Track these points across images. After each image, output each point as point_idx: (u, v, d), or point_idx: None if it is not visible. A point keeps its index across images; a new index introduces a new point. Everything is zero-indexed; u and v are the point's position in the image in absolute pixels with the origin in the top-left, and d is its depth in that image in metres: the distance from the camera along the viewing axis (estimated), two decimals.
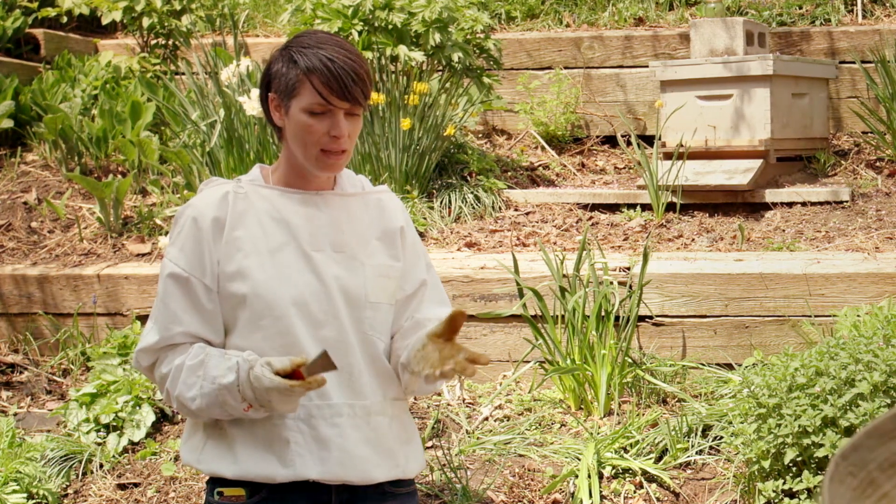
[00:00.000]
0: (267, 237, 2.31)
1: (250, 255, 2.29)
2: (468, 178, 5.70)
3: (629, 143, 6.24)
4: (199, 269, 2.29)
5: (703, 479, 3.80)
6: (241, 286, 2.28)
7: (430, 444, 4.06)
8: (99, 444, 4.21)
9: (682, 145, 5.64)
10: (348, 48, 2.30)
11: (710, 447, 3.88)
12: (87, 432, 4.24)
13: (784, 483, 3.48)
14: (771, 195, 5.44)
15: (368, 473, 2.33)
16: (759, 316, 4.30)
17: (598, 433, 4.00)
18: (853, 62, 6.20)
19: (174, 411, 4.36)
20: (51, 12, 6.66)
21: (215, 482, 2.35)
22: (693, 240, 5.11)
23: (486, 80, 5.71)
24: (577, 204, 5.62)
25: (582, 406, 4.21)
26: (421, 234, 5.13)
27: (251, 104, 4.83)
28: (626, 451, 3.88)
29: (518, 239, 5.16)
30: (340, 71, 2.25)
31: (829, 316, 4.17)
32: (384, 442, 2.36)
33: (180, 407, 2.30)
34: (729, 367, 4.25)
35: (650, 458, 3.84)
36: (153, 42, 6.58)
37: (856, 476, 0.96)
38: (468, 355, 2.19)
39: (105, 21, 6.56)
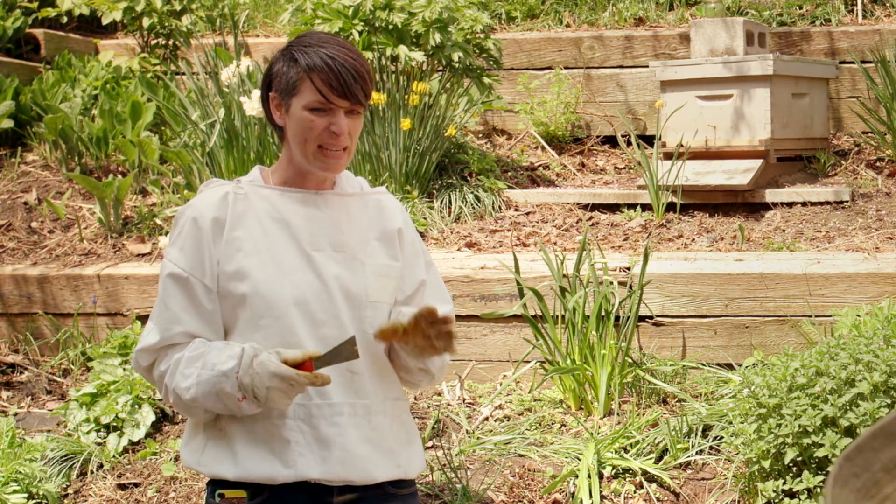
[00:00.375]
0: (267, 237, 2.31)
1: (250, 254, 2.30)
2: (468, 178, 5.70)
3: (629, 143, 6.24)
4: (198, 269, 2.29)
5: (703, 479, 3.80)
6: (241, 286, 2.28)
7: (430, 444, 4.06)
8: (99, 444, 4.21)
9: (682, 145, 5.64)
10: (349, 47, 2.31)
11: (711, 447, 3.88)
12: (88, 432, 4.24)
13: (784, 483, 3.48)
14: (771, 195, 5.44)
15: (370, 473, 2.33)
16: (760, 316, 4.30)
17: (598, 433, 4.00)
18: (853, 62, 6.20)
19: (174, 411, 4.36)
20: (51, 12, 6.66)
21: (216, 484, 2.34)
22: (693, 240, 5.11)
23: (486, 80, 5.71)
24: (577, 204, 5.62)
25: (582, 406, 4.21)
26: (421, 234, 5.13)
27: (251, 104, 4.83)
28: (626, 451, 3.88)
29: (518, 239, 5.16)
30: (341, 69, 2.26)
31: (830, 316, 4.17)
32: (385, 442, 2.35)
33: (175, 400, 2.29)
34: (729, 367, 4.25)
35: (650, 458, 3.84)
36: (153, 42, 6.59)
37: (860, 477, 0.95)
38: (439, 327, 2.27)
39: (105, 21, 6.56)
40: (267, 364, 2.20)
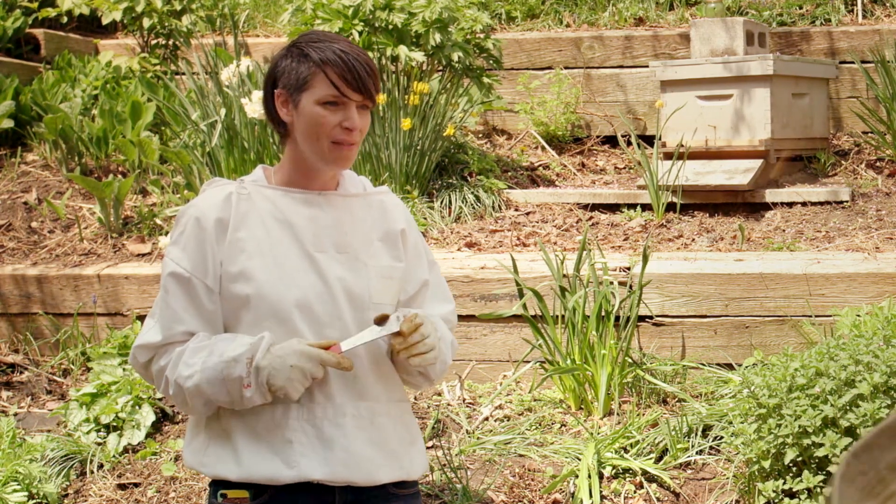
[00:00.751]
0: (270, 238, 2.31)
1: (254, 256, 2.29)
2: (468, 178, 5.71)
3: (629, 143, 6.25)
4: (200, 269, 2.29)
5: (703, 479, 3.80)
6: (244, 287, 2.28)
7: (430, 444, 4.06)
8: (99, 445, 4.21)
9: (682, 145, 5.64)
10: (356, 46, 2.33)
11: (710, 447, 3.88)
12: (88, 432, 4.24)
13: (784, 483, 3.48)
14: (771, 195, 5.44)
15: (373, 474, 2.33)
16: (760, 316, 4.30)
17: (598, 433, 4.00)
18: (853, 62, 6.20)
19: (175, 411, 4.36)
20: (51, 12, 6.66)
21: (218, 484, 2.34)
22: (693, 240, 5.11)
23: (486, 80, 5.72)
24: (577, 204, 5.63)
25: (582, 406, 4.21)
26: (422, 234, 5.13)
27: (252, 106, 4.82)
28: (626, 451, 3.88)
29: (518, 239, 5.16)
30: (355, 63, 2.27)
31: (830, 316, 4.17)
32: (388, 443, 2.35)
33: (175, 391, 2.27)
34: (729, 367, 4.25)
35: (650, 458, 3.84)
36: (153, 42, 6.59)
37: (866, 475, 0.95)
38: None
39: (105, 21, 6.56)
40: (292, 344, 2.22)
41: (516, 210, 5.59)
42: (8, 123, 5.99)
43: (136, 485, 4.04)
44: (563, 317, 4.27)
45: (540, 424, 4.15)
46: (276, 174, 2.39)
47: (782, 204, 5.42)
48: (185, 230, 2.31)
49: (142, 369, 2.36)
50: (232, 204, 2.32)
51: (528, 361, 4.34)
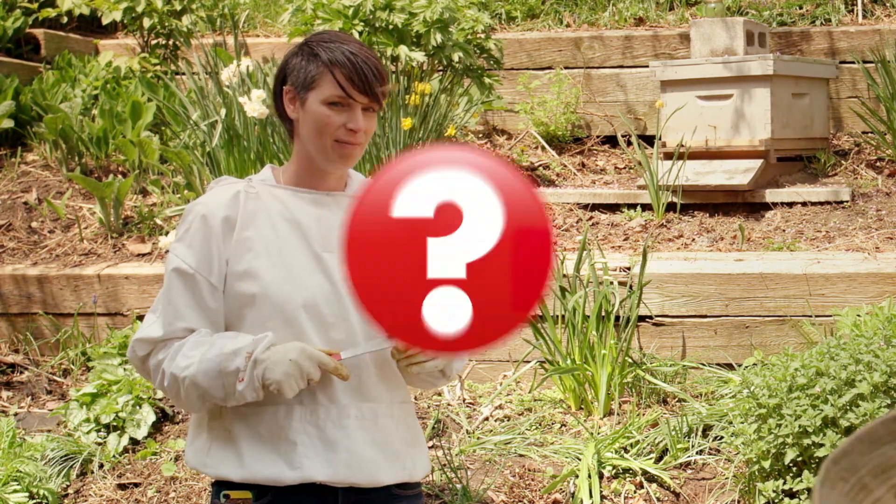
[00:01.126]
0: (278, 238, 2.31)
1: (260, 255, 2.29)
2: None
3: (629, 143, 6.25)
4: (205, 266, 2.29)
5: (703, 479, 3.81)
6: (250, 286, 2.28)
7: (430, 444, 4.06)
8: (99, 444, 4.21)
9: (682, 145, 5.64)
10: (367, 48, 2.34)
11: (711, 447, 3.88)
12: (88, 432, 4.24)
13: (784, 483, 3.48)
14: (771, 195, 5.44)
15: (375, 476, 2.32)
16: (760, 316, 4.30)
17: (599, 433, 4.00)
18: (853, 62, 6.20)
19: (175, 410, 4.36)
20: (51, 12, 6.66)
21: (221, 485, 2.33)
22: (693, 240, 5.11)
23: (486, 80, 5.72)
24: (578, 204, 5.63)
25: (582, 406, 4.21)
26: None
27: (252, 106, 4.82)
28: (626, 451, 3.88)
29: None
30: (363, 65, 2.28)
31: (830, 316, 4.18)
32: (391, 444, 2.35)
33: (170, 382, 2.26)
34: (729, 367, 4.25)
35: (650, 458, 3.84)
36: (153, 42, 6.59)
37: (847, 481, 0.96)
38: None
39: (105, 21, 6.56)
40: (294, 343, 2.22)
41: None
42: (8, 123, 5.99)
43: (137, 485, 4.04)
44: (562, 317, 4.27)
45: (540, 424, 4.15)
46: (284, 174, 2.39)
47: (782, 204, 5.42)
48: (191, 227, 2.31)
49: (139, 362, 2.36)
50: (240, 202, 2.32)
51: (528, 361, 4.34)
